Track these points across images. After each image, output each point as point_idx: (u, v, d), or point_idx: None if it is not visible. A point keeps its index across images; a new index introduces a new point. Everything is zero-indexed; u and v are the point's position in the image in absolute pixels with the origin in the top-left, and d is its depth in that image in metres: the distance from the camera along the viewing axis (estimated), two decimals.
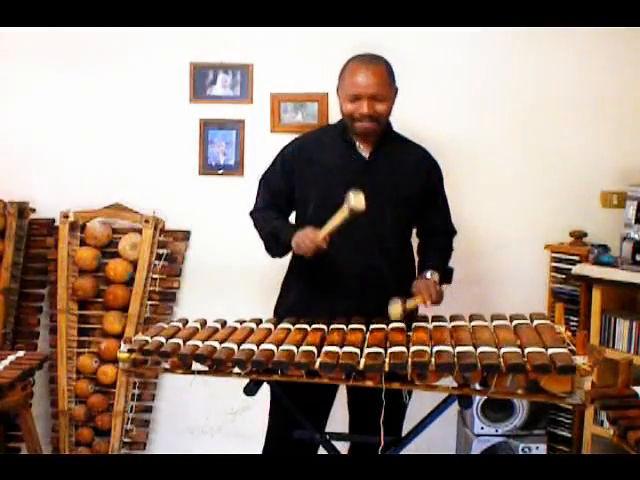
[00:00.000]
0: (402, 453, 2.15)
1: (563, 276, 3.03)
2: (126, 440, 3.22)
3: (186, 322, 2.28)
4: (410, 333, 2.06)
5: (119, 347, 2.08)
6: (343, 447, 2.44)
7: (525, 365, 1.78)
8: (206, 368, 2.02)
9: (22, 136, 3.27)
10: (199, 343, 2.04)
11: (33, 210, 3.28)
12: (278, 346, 1.99)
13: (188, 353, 1.98)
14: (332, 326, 2.15)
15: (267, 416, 2.48)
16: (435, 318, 2.19)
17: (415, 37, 3.06)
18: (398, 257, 2.40)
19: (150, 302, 3.22)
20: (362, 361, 1.88)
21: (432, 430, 2.16)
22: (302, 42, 3.14)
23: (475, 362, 1.80)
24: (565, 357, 1.80)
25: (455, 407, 2.09)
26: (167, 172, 3.25)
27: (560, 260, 3.05)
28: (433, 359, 1.85)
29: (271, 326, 2.21)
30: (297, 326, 2.17)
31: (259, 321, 2.28)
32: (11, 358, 2.59)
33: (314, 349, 1.95)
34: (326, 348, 1.95)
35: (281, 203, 2.45)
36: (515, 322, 2.09)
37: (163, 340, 2.07)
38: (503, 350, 1.85)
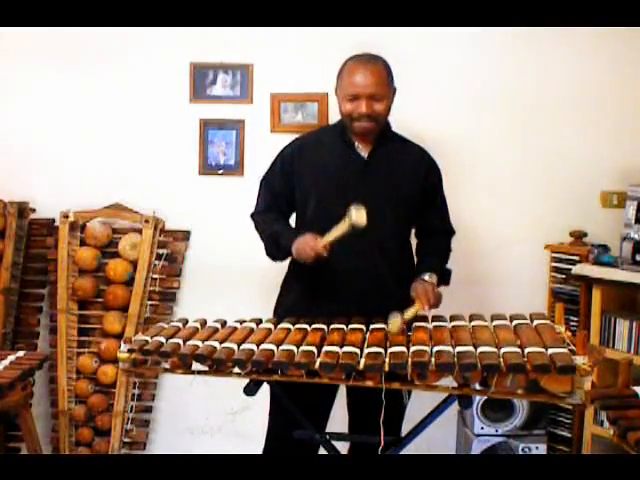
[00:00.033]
0: (402, 453, 2.15)
1: (563, 276, 3.03)
2: (126, 440, 3.22)
3: (186, 322, 2.28)
4: (410, 333, 2.06)
5: (119, 347, 2.08)
6: (343, 447, 2.43)
7: (525, 365, 1.78)
8: (206, 368, 2.02)
9: (22, 136, 3.27)
10: (199, 343, 2.04)
11: (33, 210, 3.28)
12: (278, 346, 1.99)
13: (188, 353, 1.98)
14: (332, 326, 2.15)
15: (267, 416, 2.48)
16: (435, 318, 2.19)
17: (415, 37, 3.06)
18: (398, 257, 2.39)
19: (150, 302, 3.22)
20: (362, 361, 1.88)
21: (432, 430, 2.16)
22: (302, 42, 3.14)
23: (475, 362, 1.80)
24: (565, 357, 1.80)
25: (455, 407, 2.09)
26: (167, 172, 3.25)
27: (560, 260, 3.05)
28: (433, 359, 1.85)
29: (271, 326, 2.21)
30: (297, 326, 2.17)
31: (259, 321, 2.28)
32: (11, 358, 2.59)
33: (314, 349, 1.95)
34: (326, 348, 1.95)
35: (282, 204, 2.45)
36: (515, 322, 2.09)
37: (163, 340, 2.07)
38: (503, 350, 1.85)
